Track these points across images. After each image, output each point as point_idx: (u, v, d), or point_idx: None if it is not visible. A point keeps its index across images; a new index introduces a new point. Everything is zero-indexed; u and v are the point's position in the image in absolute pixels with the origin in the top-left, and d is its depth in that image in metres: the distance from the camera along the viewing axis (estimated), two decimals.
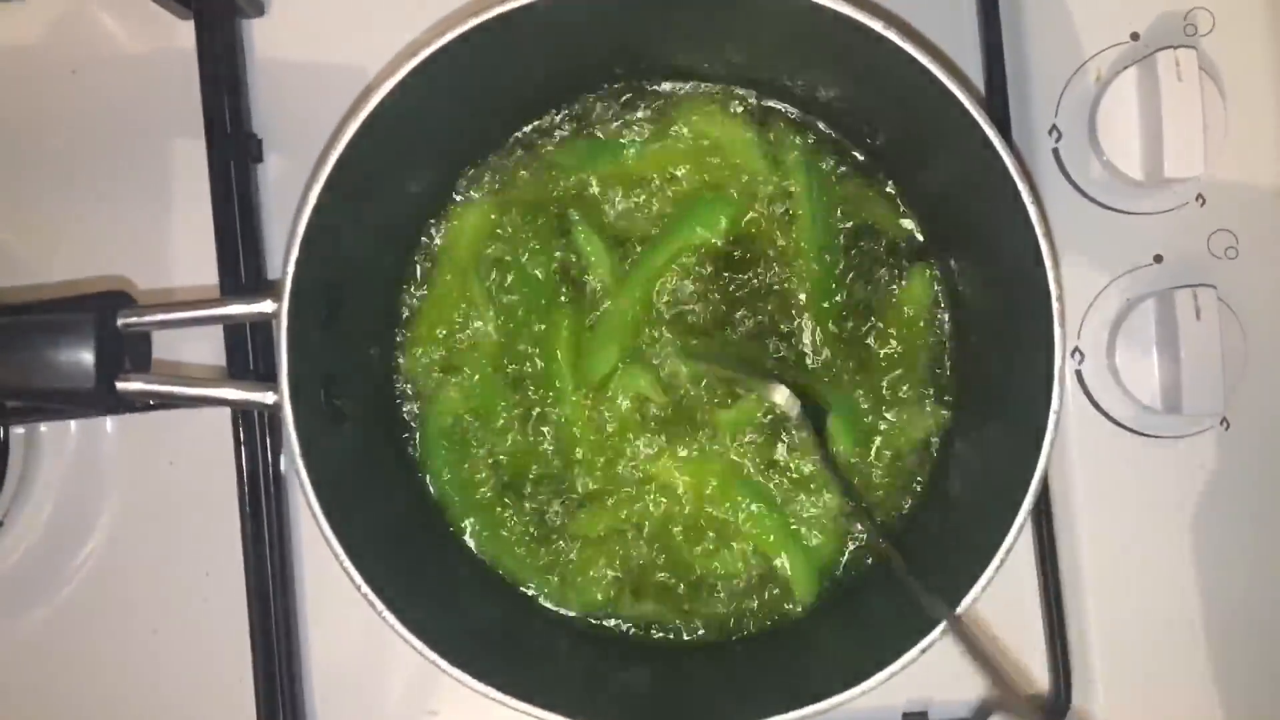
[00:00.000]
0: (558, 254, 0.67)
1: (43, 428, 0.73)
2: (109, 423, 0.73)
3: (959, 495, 0.63)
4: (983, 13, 0.70)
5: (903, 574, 0.57)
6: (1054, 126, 0.71)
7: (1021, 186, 0.55)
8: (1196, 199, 0.70)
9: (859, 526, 0.65)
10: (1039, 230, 0.55)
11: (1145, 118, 0.67)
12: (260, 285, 0.70)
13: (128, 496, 0.74)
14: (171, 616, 0.73)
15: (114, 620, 0.73)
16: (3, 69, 0.75)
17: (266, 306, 0.54)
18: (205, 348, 0.71)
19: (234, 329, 0.69)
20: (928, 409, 0.67)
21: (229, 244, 0.70)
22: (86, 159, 0.74)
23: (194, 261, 0.71)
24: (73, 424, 0.74)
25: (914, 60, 0.55)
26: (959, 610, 0.54)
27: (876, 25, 0.55)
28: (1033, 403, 0.55)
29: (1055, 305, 0.54)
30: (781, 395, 0.64)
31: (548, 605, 0.67)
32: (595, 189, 0.67)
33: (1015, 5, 0.71)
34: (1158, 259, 0.70)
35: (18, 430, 0.72)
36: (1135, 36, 0.71)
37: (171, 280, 0.73)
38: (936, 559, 0.60)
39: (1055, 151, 0.71)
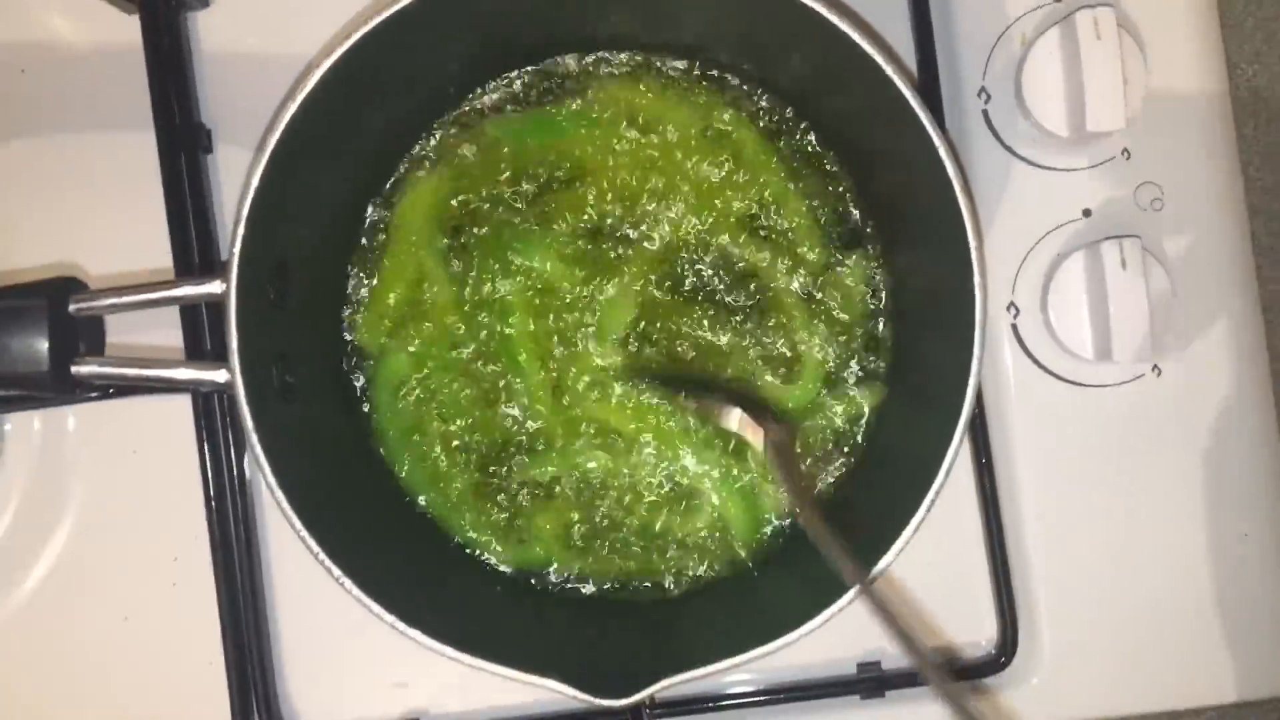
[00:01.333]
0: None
1: (6, 425, 0.75)
2: (71, 415, 0.75)
3: (891, 453, 0.65)
4: None
5: (823, 538, 0.57)
6: (983, 89, 0.73)
7: (933, 133, 0.56)
8: (1122, 153, 0.72)
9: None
10: (954, 179, 0.56)
11: (1068, 76, 0.69)
12: (215, 269, 0.72)
13: (93, 486, 0.75)
14: (141, 602, 0.74)
15: (83, 608, 0.75)
16: None
17: (215, 287, 0.56)
18: (163, 332, 0.72)
19: (190, 312, 0.70)
20: (860, 385, 0.69)
21: (181, 232, 0.72)
22: (37, 155, 0.75)
23: (146, 252, 0.72)
24: (36, 418, 0.75)
25: (838, 30, 0.57)
26: (887, 559, 0.56)
27: None
28: (960, 348, 0.57)
29: (973, 246, 0.56)
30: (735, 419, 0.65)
31: (500, 566, 0.68)
32: (539, 176, 0.69)
33: None
34: (1086, 213, 0.72)
35: None
36: None
37: (124, 269, 0.74)
38: (868, 513, 0.62)
39: (985, 113, 0.73)
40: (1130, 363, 0.69)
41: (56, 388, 0.56)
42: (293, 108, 0.55)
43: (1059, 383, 0.72)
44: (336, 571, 0.55)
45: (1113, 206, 0.72)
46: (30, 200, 0.75)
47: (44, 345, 0.54)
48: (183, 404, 0.72)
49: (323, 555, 0.55)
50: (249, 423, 0.55)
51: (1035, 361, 0.72)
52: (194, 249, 0.71)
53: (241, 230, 0.55)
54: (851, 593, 0.56)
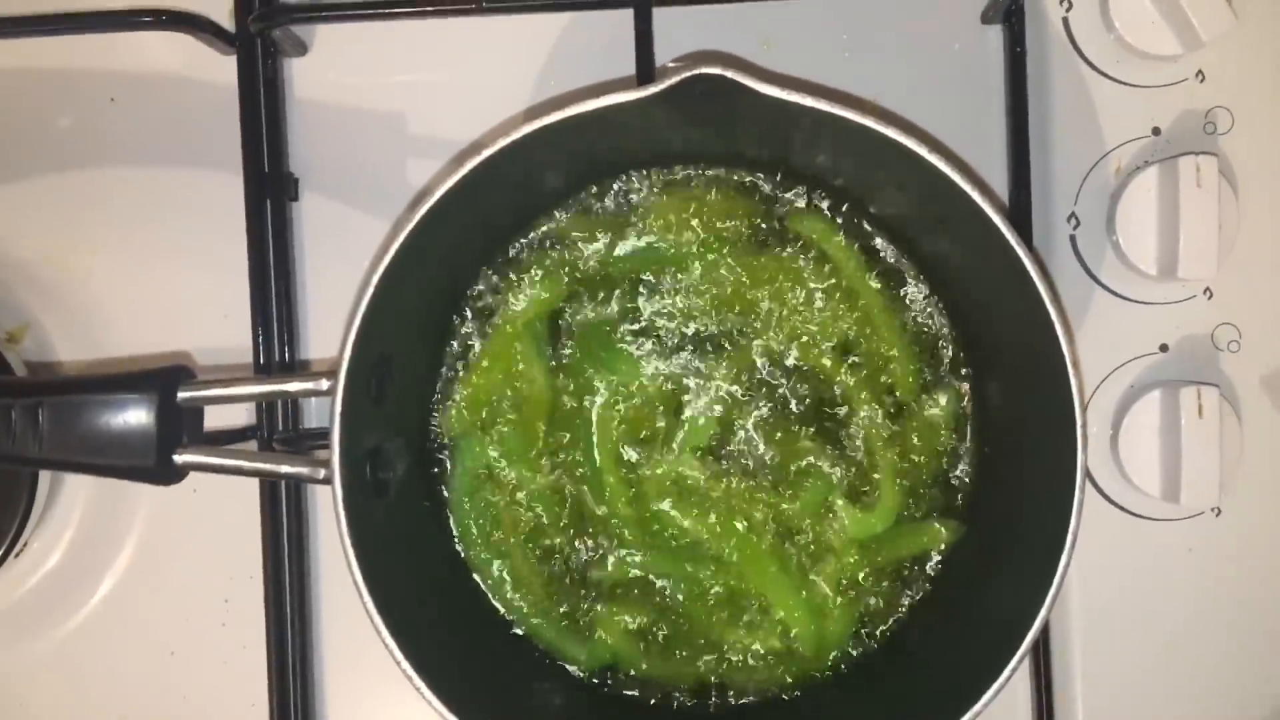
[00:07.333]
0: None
1: None
2: None
3: (963, 598, 0.66)
4: (1011, 99, 0.72)
5: None
6: (1073, 214, 0.73)
7: (1046, 299, 0.56)
8: (1205, 292, 0.73)
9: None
10: (1063, 342, 0.56)
11: (1163, 218, 0.70)
12: (292, 336, 0.73)
13: (151, 520, 0.75)
14: (190, 639, 0.75)
15: (133, 641, 0.76)
16: (43, 92, 0.76)
17: (321, 385, 0.56)
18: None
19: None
20: (937, 521, 0.69)
21: (262, 286, 0.72)
22: (122, 190, 0.75)
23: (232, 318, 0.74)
24: None
25: (940, 171, 0.57)
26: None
27: (892, 134, 0.56)
28: (1054, 499, 0.57)
29: (1078, 414, 0.56)
30: None
31: (573, 669, 0.68)
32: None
33: (1041, 95, 0.73)
34: (1163, 348, 0.73)
35: None
36: (1157, 131, 0.73)
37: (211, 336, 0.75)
38: (934, 659, 0.63)
39: (1072, 238, 0.73)
40: (1195, 507, 0.69)
41: (159, 478, 0.56)
42: (415, 219, 0.55)
43: (1119, 512, 0.73)
44: (418, 681, 0.55)
45: (1190, 344, 0.73)
46: (112, 239, 0.76)
47: (152, 436, 0.54)
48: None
49: (405, 663, 0.55)
50: (344, 522, 0.55)
51: (1100, 491, 0.73)
52: (274, 310, 0.72)
53: (354, 335, 0.55)
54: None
